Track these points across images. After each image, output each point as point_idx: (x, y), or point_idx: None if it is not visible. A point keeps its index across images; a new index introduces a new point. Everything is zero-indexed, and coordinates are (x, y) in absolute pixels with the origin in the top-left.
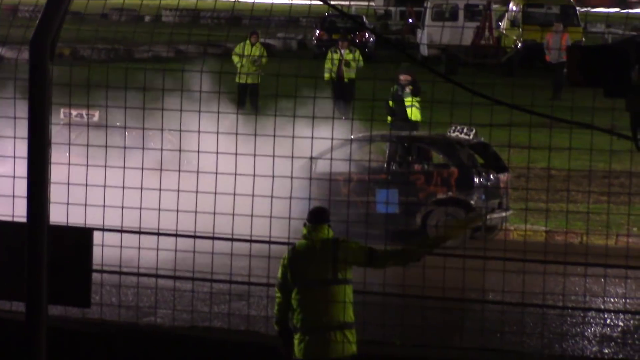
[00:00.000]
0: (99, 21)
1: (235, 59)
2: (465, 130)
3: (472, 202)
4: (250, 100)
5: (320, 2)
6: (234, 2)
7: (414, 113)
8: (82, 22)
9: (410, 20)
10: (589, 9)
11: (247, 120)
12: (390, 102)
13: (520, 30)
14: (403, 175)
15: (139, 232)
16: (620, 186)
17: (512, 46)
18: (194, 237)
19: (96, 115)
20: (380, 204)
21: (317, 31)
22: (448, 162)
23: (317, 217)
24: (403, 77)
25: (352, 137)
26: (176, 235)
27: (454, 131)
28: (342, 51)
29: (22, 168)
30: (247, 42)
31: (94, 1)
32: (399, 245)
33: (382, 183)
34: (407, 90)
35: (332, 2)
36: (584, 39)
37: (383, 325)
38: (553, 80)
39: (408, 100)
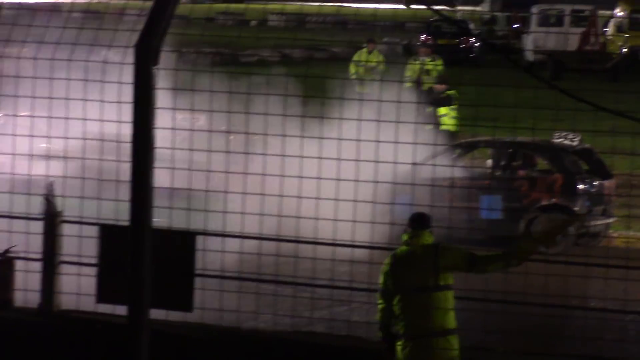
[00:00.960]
0: (205, 25)
1: (352, 68)
2: (570, 136)
3: (576, 208)
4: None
5: (424, 7)
6: (339, 6)
7: (448, 122)
8: (187, 25)
9: (516, 26)
10: None
11: (351, 126)
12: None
13: (627, 35)
14: (507, 181)
15: (241, 236)
16: None
17: (618, 52)
18: (297, 241)
19: (201, 119)
20: (484, 210)
21: (423, 36)
22: (552, 168)
23: (418, 222)
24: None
25: (458, 142)
26: (278, 240)
27: (559, 137)
28: (423, 59)
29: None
30: (364, 50)
31: (200, 5)
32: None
33: (486, 189)
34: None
35: (437, 7)
36: None
37: (485, 332)
38: None
39: (443, 110)
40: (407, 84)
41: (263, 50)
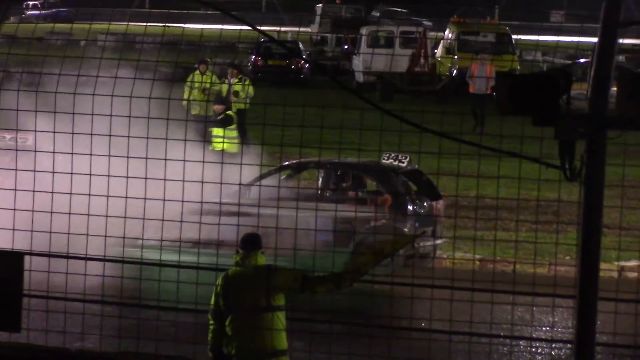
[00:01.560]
0: (32, 45)
1: (186, 91)
2: (399, 157)
3: (406, 229)
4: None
5: (249, 28)
6: (164, 26)
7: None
8: (12, 45)
9: (346, 47)
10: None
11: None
12: None
13: (455, 57)
14: (337, 202)
15: (67, 257)
16: (553, 214)
17: (447, 74)
18: (122, 261)
19: (29, 139)
20: (314, 231)
21: (253, 57)
22: (382, 189)
23: (249, 243)
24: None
25: (284, 163)
26: (104, 260)
27: (388, 158)
28: (231, 80)
29: None
30: (197, 72)
31: (26, 24)
32: (330, 271)
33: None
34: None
35: (266, 28)
36: (518, 68)
37: (310, 352)
38: (473, 110)
39: (217, 131)
40: (194, 109)
41: (91, 71)
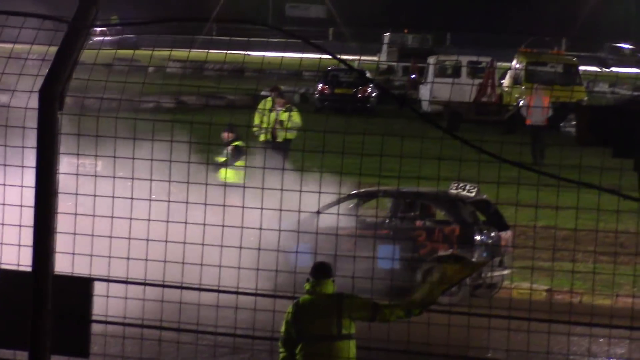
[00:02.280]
0: (102, 71)
1: (257, 118)
2: (467, 187)
3: (473, 259)
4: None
5: (329, 56)
6: (244, 54)
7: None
8: (90, 72)
9: (413, 76)
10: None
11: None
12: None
13: (523, 88)
14: (405, 231)
15: (144, 284)
16: (620, 246)
17: (515, 104)
18: (199, 289)
19: (99, 165)
20: (382, 260)
21: (320, 85)
22: (450, 218)
23: (320, 272)
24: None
25: (355, 191)
26: (181, 288)
27: (456, 188)
28: (278, 109)
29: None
30: (269, 99)
31: (104, 51)
32: (400, 300)
33: (384, 238)
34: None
35: (337, 56)
36: (586, 98)
37: None
38: (532, 144)
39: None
40: (261, 137)
41: (162, 97)
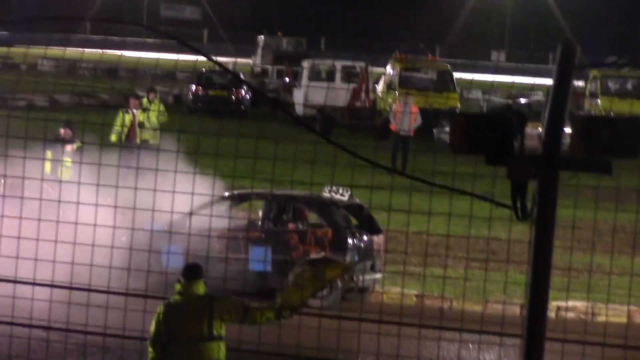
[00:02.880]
0: None
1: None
2: (340, 191)
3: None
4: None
5: (203, 57)
6: (119, 54)
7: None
8: None
9: (287, 79)
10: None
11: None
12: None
13: (397, 93)
14: (277, 233)
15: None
16: (492, 253)
17: (388, 109)
18: (70, 288)
19: None
20: (254, 262)
21: (193, 86)
22: (322, 222)
23: (191, 273)
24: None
25: (227, 193)
26: (51, 286)
27: (329, 191)
28: (134, 111)
29: None
30: (144, 99)
31: None
32: (270, 302)
33: (256, 241)
34: None
35: (211, 57)
36: (459, 105)
37: None
38: (393, 152)
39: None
40: (113, 137)
41: (34, 95)
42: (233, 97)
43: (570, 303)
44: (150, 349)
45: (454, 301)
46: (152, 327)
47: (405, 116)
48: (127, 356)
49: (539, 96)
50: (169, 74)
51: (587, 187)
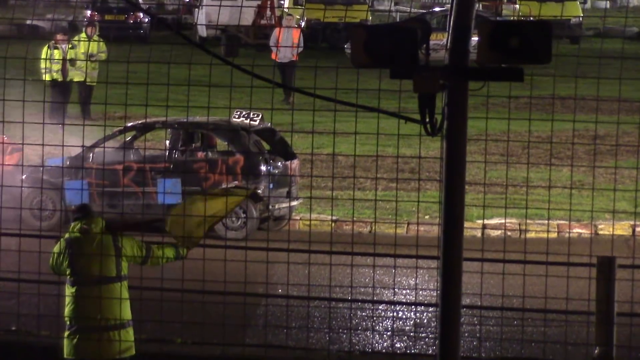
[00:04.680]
0: None
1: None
2: (251, 115)
3: (259, 191)
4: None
5: None
6: None
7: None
8: None
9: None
10: None
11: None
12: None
13: (304, 9)
14: (186, 163)
15: None
16: (411, 172)
17: (296, 26)
18: None
19: None
20: (162, 194)
21: (89, 12)
22: (233, 149)
23: (88, 210)
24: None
25: (130, 124)
26: None
27: (239, 116)
28: (64, 47)
29: None
30: (82, 34)
31: None
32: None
33: (164, 172)
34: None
35: None
36: (370, 18)
37: (162, 322)
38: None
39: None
40: (46, 77)
41: None
42: (131, 21)
43: (495, 220)
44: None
45: (373, 225)
46: (52, 263)
47: (287, 42)
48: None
49: None
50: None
51: (499, 98)
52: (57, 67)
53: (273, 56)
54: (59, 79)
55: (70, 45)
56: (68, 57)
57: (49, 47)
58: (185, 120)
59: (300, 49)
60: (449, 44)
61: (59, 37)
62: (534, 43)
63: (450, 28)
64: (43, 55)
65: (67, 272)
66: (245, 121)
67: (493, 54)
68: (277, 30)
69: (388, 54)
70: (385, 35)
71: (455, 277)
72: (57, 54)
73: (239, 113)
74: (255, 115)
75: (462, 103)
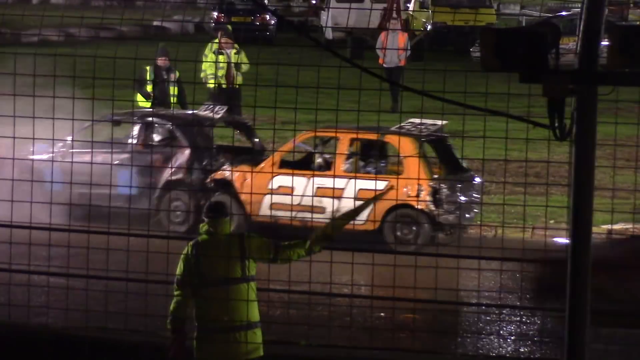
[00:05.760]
0: None
1: (206, 67)
2: (215, 109)
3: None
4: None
5: None
6: None
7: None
8: None
9: (314, 2)
10: None
11: None
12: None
13: (430, 12)
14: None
15: (30, 227)
16: (535, 176)
17: (422, 29)
18: (89, 231)
19: None
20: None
21: (215, 14)
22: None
23: (218, 210)
24: (161, 61)
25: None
26: (70, 230)
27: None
28: (229, 52)
29: None
30: (215, 43)
31: None
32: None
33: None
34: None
35: None
36: (496, 21)
37: (288, 325)
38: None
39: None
40: (211, 82)
41: (46, 30)
42: (257, 23)
43: (620, 226)
44: (177, 292)
45: (498, 229)
46: (180, 268)
47: (394, 46)
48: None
49: None
50: (188, 2)
51: (628, 103)
52: (221, 72)
53: (380, 61)
54: (224, 85)
55: (234, 50)
56: (233, 61)
57: (213, 52)
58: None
59: (408, 53)
60: (578, 48)
61: (223, 41)
62: None
63: (580, 32)
64: (207, 60)
65: (193, 274)
66: (209, 114)
67: (623, 59)
68: (382, 34)
69: (518, 58)
70: (515, 38)
71: (582, 281)
72: (222, 58)
73: (205, 106)
74: (220, 109)
75: (592, 108)
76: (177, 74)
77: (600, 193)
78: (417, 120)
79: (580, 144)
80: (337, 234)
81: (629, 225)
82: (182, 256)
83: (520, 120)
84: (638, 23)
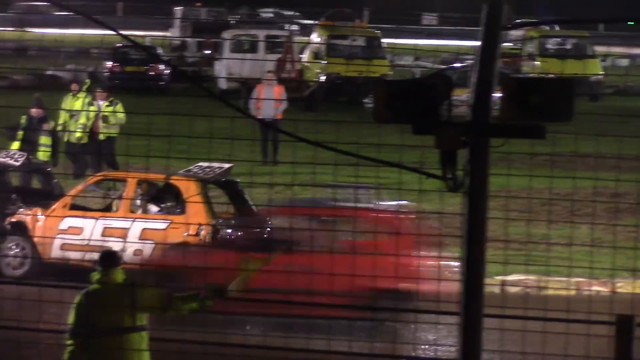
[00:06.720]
0: None
1: (62, 117)
2: (13, 155)
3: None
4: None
5: (113, 33)
6: (22, 31)
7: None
8: None
9: (207, 52)
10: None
11: None
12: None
13: (324, 63)
14: None
15: None
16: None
17: (315, 79)
18: None
19: None
20: None
21: (110, 63)
22: None
23: (109, 260)
24: (35, 111)
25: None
26: None
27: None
28: (101, 103)
29: None
30: (70, 95)
31: None
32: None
33: None
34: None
35: (125, 32)
36: (390, 72)
37: None
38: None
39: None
40: (78, 134)
41: None
42: (152, 73)
43: (514, 277)
44: (69, 341)
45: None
46: (71, 318)
47: (268, 101)
48: (44, 350)
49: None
50: (82, 51)
51: (520, 155)
52: (89, 122)
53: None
54: (83, 140)
55: (107, 103)
56: (102, 114)
57: (88, 103)
58: None
59: (286, 106)
60: (471, 100)
61: (98, 92)
62: (556, 100)
63: (473, 84)
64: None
65: (82, 322)
66: (9, 161)
67: (515, 111)
68: (257, 87)
69: (410, 110)
70: (407, 90)
71: (475, 333)
72: (92, 109)
73: (5, 153)
74: (19, 156)
75: (484, 159)
76: (52, 124)
77: (494, 244)
78: (206, 164)
79: (473, 195)
80: (232, 290)
81: (522, 277)
82: (73, 305)
83: (413, 171)
84: (531, 75)
